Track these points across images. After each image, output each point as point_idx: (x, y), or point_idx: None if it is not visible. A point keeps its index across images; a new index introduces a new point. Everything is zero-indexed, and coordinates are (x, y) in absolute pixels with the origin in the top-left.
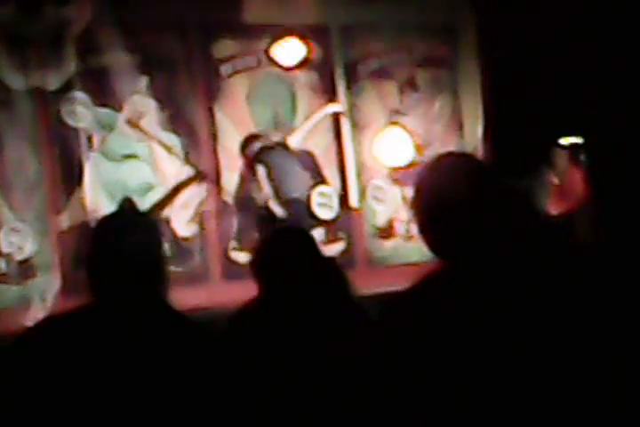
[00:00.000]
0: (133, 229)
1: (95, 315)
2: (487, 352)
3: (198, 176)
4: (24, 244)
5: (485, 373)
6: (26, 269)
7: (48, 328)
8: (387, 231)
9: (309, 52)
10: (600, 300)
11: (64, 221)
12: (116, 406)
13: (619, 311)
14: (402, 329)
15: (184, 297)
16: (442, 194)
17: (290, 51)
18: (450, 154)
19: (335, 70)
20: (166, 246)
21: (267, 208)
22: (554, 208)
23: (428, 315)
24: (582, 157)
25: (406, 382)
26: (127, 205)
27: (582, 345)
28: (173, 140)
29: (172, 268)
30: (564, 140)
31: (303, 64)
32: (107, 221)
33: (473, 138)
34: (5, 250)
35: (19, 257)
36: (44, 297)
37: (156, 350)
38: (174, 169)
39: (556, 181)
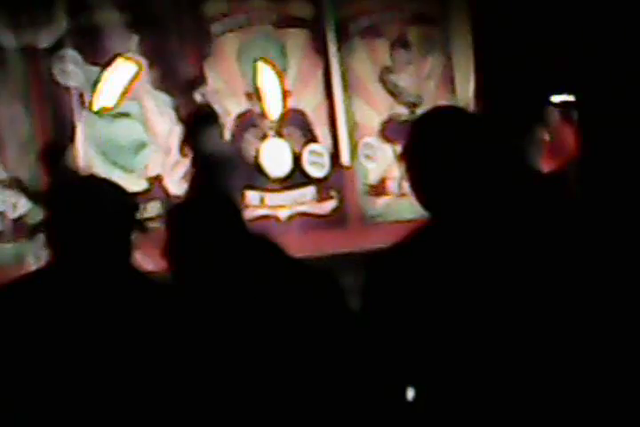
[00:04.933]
0: (99, 193)
1: (53, 277)
2: (473, 306)
3: None
4: (18, 202)
5: (470, 328)
6: (20, 227)
7: (6, 294)
8: (379, 189)
9: None
10: (585, 253)
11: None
12: (79, 369)
13: (604, 264)
14: (386, 285)
15: None
16: (432, 148)
17: None
18: (440, 108)
19: (326, 29)
20: (156, 205)
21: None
22: (546, 165)
23: (411, 270)
24: (574, 115)
25: (391, 336)
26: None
27: (569, 298)
28: (164, 98)
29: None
30: (556, 98)
31: None
32: (73, 185)
33: (465, 95)
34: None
35: (12, 215)
36: (38, 255)
37: (114, 311)
38: (166, 127)
39: (547, 138)
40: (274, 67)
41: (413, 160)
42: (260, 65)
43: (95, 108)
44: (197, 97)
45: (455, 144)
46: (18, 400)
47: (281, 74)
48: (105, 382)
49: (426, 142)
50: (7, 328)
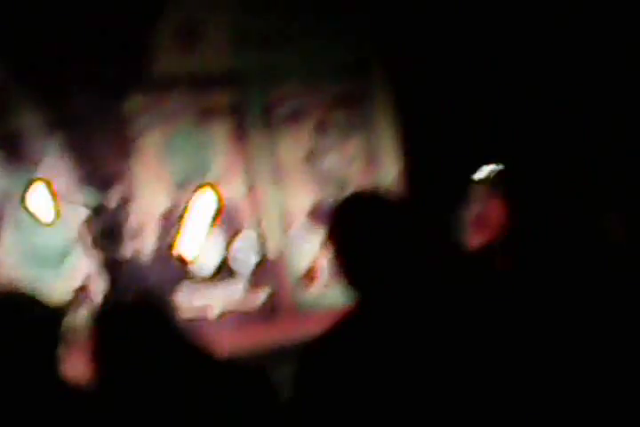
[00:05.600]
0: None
1: None
2: (407, 388)
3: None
4: None
5: (408, 409)
6: None
7: None
8: (309, 277)
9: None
10: (520, 325)
11: None
12: None
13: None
14: (318, 373)
15: None
16: (352, 231)
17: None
18: (360, 190)
19: (250, 117)
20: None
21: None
22: (474, 240)
23: (342, 355)
24: (500, 188)
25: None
26: None
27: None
28: (88, 199)
29: None
30: (481, 172)
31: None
32: None
33: (390, 175)
34: None
35: None
36: None
37: None
38: (92, 231)
39: (474, 213)
40: None
41: (336, 243)
42: None
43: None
44: (116, 195)
45: (374, 227)
46: None
47: None
48: None
49: (346, 226)
50: None
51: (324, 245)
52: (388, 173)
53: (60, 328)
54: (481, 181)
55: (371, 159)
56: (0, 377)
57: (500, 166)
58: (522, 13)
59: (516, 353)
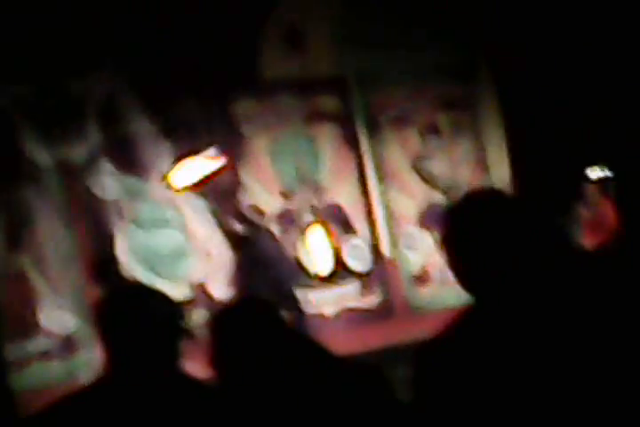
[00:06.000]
0: (149, 302)
1: (107, 388)
2: (526, 390)
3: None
4: (64, 319)
5: (528, 412)
6: (69, 344)
7: (63, 407)
8: (422, 278)
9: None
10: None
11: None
12: None
13: None
14: (437, 374)
15: None
16: (470, 232)
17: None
18: (474, 192)
19: (356, 121)
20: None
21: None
22: (587, 242)
23: (460, 357)
24: (612, 189)
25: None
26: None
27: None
28: (201, 204)
29: None
30: (593, 174)
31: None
32: (121, 297)
33: (500, 177)
34: (46, 326)
35: (61, 333)
36: (90, 371)
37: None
38: (205, 233)
39: (587, 214)
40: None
41: (453, 246)
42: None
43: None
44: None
45: (493, 227)
46: None
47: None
48: None
49: (464, 227)
50: None
51: (438, 246)
52: (497, 174)
53: (181, 325)
54: (594, 182)
55: (479, 161)
56: (125, 372)
57: (613, 167)
58: (635, 14)
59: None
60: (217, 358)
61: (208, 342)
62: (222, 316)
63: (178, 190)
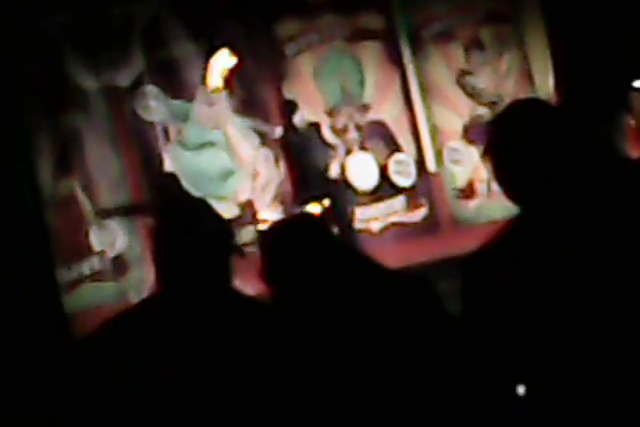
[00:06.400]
0: (200, 220)
1: (158, 305)
2: (573, 301)
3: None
4: (114, 240)
5: (572, 322)
6: (119, 265)
7: (116, 324)
8: (468, 192)
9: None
10: None
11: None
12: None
13: None
14: (484, 285)
15: None
16: (515, 142)
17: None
18: (518, 102)
19: (399, 38)
20: (250, 230)
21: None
22: (634, 150)
23: (508, 267)
24: None
25: (495, 334)
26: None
27: None
28: (246, 123)
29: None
30: (638, 82)
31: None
32: (171, 213)
33: (545, 89)
34: (97, 248)
35: (111, 254)
36: (140, 290)
37: (222, 335)
38: (251, 152)
39: (633, 123)
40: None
41: (498, 157)
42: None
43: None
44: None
45: (538, 136)
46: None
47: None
48: (213, 405)
49: (508, 137)
50: (120, 354)
51: (483, 158)
52: (542, 86)
53: (231, 242)
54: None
55: (524, 75)
56: (176, 290)
57: None
58: None
59: None
60: (269, 274)
61: (261, 257)
62: (274, 231)
63: (213, 91)
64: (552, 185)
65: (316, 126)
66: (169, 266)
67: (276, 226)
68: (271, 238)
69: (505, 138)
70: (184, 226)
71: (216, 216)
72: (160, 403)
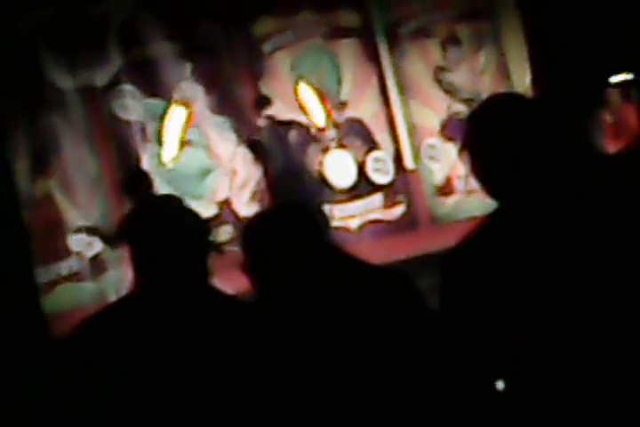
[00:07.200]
0: (175, 218)
1: (136, 304)
2: (555, 294)
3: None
4: (92, 241)
5: (554, 316)
6: (97, 265)
7: (95, 322)
8: (446, 189)
9: None
10: None
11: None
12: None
13: None
14: (463, 280)
15: None
16: (492, 135)
17: None
18: (495, 96)
19: (376, 35)
20: (228, 229)
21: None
22: (610, 146)
23: (486, 262)
24: (634, 93)
25: (476, 330)
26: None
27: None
28: (224, 122)
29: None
30: (615, 78)
31: None
32: (149, 211)
33: (522, 86)
34: (75, 248)
35: (88, 254)
36: (119, 290)
37: (201, 332)
38: (229, 150)
39: (610, 119)
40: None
41: (476, 150)
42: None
43: (165, 160)
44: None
45: (515, 130)
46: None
47: (321, 92)
48: (192, 400)
49: (486, 131)
50: (98, 354)
51: (460, 155)
52: (519, 83)
53: (209, 240)
54: (616, 86)
55: (501, 71)
56: (155, 288)
57: (635, 73)
58: None
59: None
60: (251, 268)
61: (240, 253)
62: (256, 223)
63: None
64: (529, 180)
65: (293, 124)
66: (147, 264)
67: (258, 218)
68: (252, 229)
69: (482, 132)
70: (161, 224)
71: (193, 214)
72: (140, 401)
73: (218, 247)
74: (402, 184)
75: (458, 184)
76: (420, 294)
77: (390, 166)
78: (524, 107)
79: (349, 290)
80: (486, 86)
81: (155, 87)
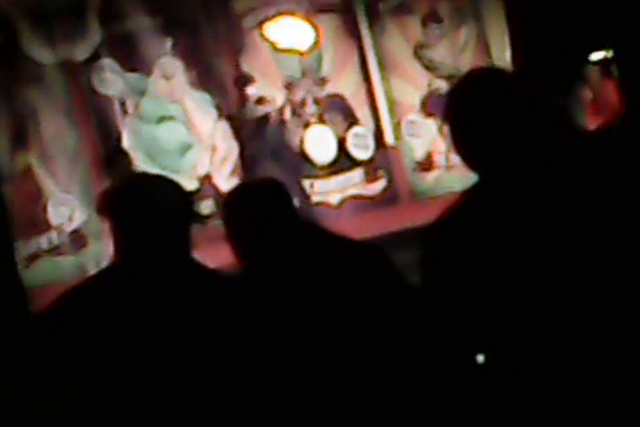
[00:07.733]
0: (157, 191)
1: (118, 275)
2: (535, 266)
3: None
4: (72, 214)
5: (534, 288)
6: (78, 239)
7: (76, 293)
8: (426, 164)
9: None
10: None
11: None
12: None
13: None
14: (444, 253)
15: None
16: (473, 108)
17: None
18: (478, 69)
19: (357, 11)
20: (209, 203)
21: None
22: (590, 122)
23: (467, 234)
24: (615, 71)
25: (456, 303)
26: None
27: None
28: (204, 97)
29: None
30: (595, 55)
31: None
32: (131, 185)
33: (502, 63)
34: (55, 222)
35: (69, 228)
36: (99, 264)
37: (184, 305)
38: (209, 126)
39: (590, 95)
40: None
41: (456, 124)
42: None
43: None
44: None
45: (495, 103)
46: (92, 398)
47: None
48: (176, 375)
49: (466, 104)
50: (79, 327)
51: (441, 130)
52: (499, 60)
53: (191, 213)
54: (596, 63)
55: (481, 47)
56: (135, 261)
57: (614, 50)
58: None
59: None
60: (234, 245)
61: (224, 220)
62: (231, 202)
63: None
64: (510, 153)
65: (273, 100)
66: (129, 237)
67: (238, 190)
68: (232, 201)
69: (462, 105)
70: (144, 196)
71: (175, 186)
72: (120, 373)
73: (200, 218)
74: (382, 160)
75: (438, 160)
76: (396, 267)
77: (371, 142)
78: (504, 80)
79: (324, 264)
80: (467, 63)
81: (135, 62)
